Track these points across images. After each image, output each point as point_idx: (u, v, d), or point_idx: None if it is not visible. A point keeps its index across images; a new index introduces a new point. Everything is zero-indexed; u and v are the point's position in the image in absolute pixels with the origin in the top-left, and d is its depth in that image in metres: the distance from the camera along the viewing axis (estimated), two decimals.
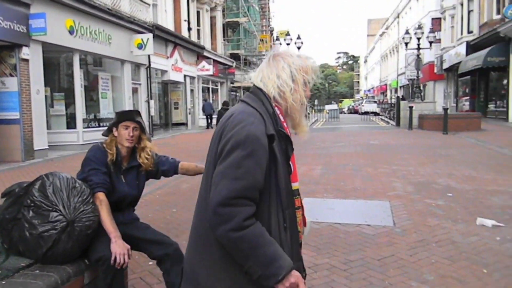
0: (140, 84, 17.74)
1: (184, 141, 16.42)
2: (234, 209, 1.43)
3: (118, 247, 2.63)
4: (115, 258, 2.61)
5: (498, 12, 21.29)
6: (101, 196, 2.75)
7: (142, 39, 16.31)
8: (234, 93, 32.38)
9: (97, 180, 2.80)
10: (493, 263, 4.06)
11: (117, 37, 15.44)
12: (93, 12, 13.79)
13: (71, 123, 13.48)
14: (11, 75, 10.76)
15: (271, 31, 42.18)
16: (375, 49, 68.89)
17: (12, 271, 2.51)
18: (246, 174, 1.45)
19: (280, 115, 1.66)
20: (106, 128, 3.11)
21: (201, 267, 1.58)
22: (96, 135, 14.05)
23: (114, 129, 3.00)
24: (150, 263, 4.00)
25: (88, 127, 14.02)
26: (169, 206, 6.58)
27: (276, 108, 1.65)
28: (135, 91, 17.34)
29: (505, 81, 21.10)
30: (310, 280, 3.76)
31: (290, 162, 1.68)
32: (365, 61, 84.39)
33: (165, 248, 2.97)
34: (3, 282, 2.35)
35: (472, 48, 23.93)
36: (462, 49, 25.03)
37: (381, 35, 61.79)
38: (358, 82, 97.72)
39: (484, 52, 20.96)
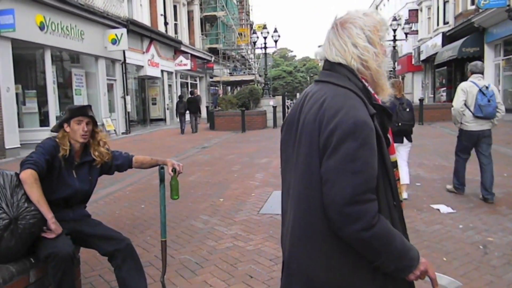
0: (115, 80, 17.52)
1: (161, 137, 16.30)
2: (362, 207, 1.33)
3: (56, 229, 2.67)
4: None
5: (473, 3, 21.54)
6: (35, 174, 2.63)
7: (116, 34, 16.08)
8: (214, 87, 32.19)
9: (36, 158, 2.72)
10: (454, 250, 4.13)
11: (90, 32, 15.19)
12: (64, 7, 13.53)
13: (44, 120, 13.23)
14: None
15: (251, 24, 42.03)
16: None
17: None
18: (364, 166, 1.34)
19: (369, 87, 1.51)
20: (58, 123, 3.04)
21: (315, 263, 1.48)
22: None
23: (66, 125, 2.95)
24: None
25: None
26: (138, 202, 6.52)
27: (363, 80, 1.51)
28: (110, 87, 17.11)
29: None
30: (270, 273, 3.77)
31: (388, 135, 1.56)
32: None
33: (116, 243, 2.95)
34: None
35: (448, 38, 24.19)
36: (438, 40, 25.29)
37: None
38: None
39: (459, 42, 21.20)
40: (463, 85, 5.85)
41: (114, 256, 2.95)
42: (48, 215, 2.65)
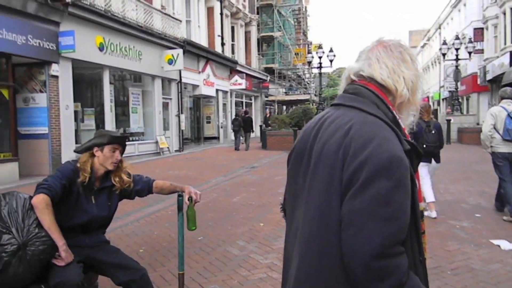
0: (171, 98, 17.92)
1: (213, 155, 16.38)
2: (392, 261, 1.11)
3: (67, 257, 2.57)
4: None
5: None
6: (47, 199, 2.54)
7: (172, 55, 16.49)
8: (268, 107, 32.23)
9: (51, 182, 2.64)
10: None
11: (147, 53, 15.69)
12: (123, 29, 14.08)
13: None
14: (40, 91, 11.07)
15: (308, 44, 41.93)
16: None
17: None
18: (399, 212, 1.13)
19: (399, 120, 1.33)
20: (86, 145, 2.92)
21: None
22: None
23: (96, 149, 2.85)
24: None
25: None
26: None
27: (394, 111, 1.33)
28: (165, 105, 17.51)
29: None
30: None
31: (415, 178, 1.33)
32: None
33: (131, 274, 2.80)
34: None
35: None
36: (506, 59, 23.82)
37: (422, 47, 60.11)
38: None
39: None
40: (492, 110, 6.18)
41: (129, 287, 2.79)
42: (60, 242, 2.55)
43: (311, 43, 42.69)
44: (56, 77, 11.26)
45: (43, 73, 11.04)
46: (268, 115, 21.98)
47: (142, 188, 3.06)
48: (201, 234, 5.81)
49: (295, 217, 1.37)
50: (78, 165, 2.82)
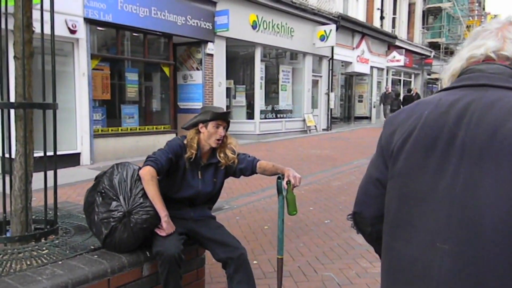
0: (321, 76, 17.68)
1: (361, 136, 15.78)
2: None
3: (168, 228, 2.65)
4: None
5: None
6: (153, 171, 2.65)
7: (325, 31, 16.14)
8: (431, 85, 29.70)
9: (158, 155, 2.74)
10: None
11: (299, 29, 15.65)
12: (276, 6, 14.23)
13: (251, 114, 14.28)
14: (197, 69, 11.96)
15: (483, 15, 37.14)
16: None
17: (78, 252, 2.65)
18: None
19: None
20: (192, 122, 2.96)
21: None
22: (272, 126, 14.63)
23: (201, 125, 2.89)
24: None
25: (265, 118, 14.64)
26: (308, 204, 6.32)
27: None
28: (315, 83, 17.35)
29: None
30: None
31: None
32: None
33: (230, 251, 2.79)
34: (59, 263, 2.49)
35: None
36: None
37: None
38: None
39: None
40: None
41: (227, 264, 2.80)
42: (162, 213, 2.63)
43: (488, 13, 37.79)
44: (211, 55, 12.00)
45: (199, 52, 11.88)
46: (387, 93, 20.15)
47: (246, 167, 3.01)
48: (329, 217, 5.63)
49: (421, 225, 1.15)
50: (185, 141, 2.88)
